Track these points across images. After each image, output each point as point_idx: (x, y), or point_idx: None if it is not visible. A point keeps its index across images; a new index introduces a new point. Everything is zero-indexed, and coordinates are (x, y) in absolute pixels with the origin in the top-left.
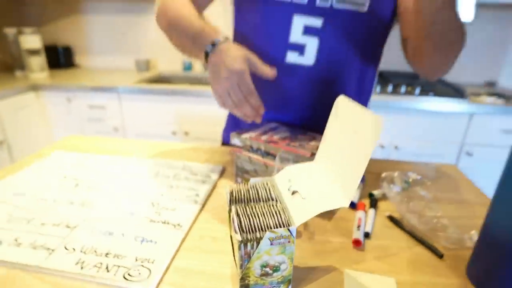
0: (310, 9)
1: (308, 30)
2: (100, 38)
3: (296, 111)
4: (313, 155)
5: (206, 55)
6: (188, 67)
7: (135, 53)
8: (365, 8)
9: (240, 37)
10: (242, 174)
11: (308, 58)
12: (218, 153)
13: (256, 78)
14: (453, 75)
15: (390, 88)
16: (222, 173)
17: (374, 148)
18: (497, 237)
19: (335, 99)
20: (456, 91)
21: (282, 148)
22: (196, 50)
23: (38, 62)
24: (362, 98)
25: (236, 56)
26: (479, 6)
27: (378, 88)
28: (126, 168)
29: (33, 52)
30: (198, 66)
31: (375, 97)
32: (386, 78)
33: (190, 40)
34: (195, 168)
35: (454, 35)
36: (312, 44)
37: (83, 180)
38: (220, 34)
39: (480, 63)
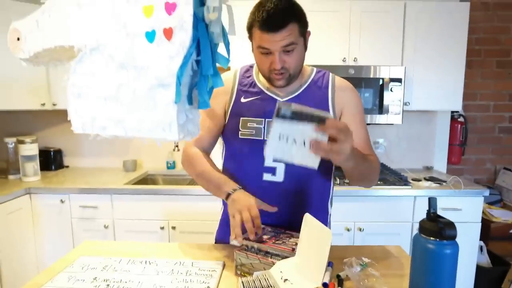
0: None
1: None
2: (90, 141)
3: (277, 217)
4: (293, 250)
5: (227, 197)
6: (171, 166)
7: (122, 154)
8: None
9: (228, 170)
10: (240, 267)
11: (279, 176)
12: (216, 250)
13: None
14: (397, 163)
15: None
16: (224, 267)
17: (329, 247)
18: None
19: (304, 205)
20: (400, 178)
21: (270, 246)
22: (218, 193)
23: (32, 166)
24: (324, 197)
25: (246, 200)
26: (405, 112)
27: (337, 180)
28: (146, 268)
29: (29, 158)
30: (180, 165)
31: (338, 188)
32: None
33: (214, 187)
34: (202, 265)
35: (367, 177)
36: (280, 167)
37: (113, 280)
38: (233, 186)
39: (417, 152)
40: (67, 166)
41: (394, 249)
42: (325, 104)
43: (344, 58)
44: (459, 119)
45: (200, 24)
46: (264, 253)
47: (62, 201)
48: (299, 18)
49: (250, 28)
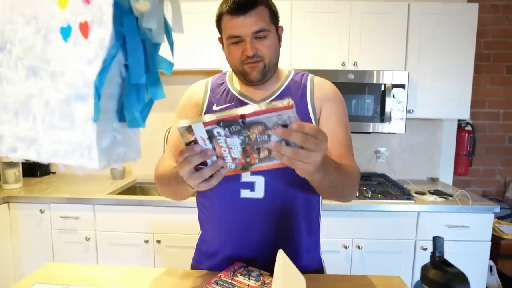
0: None
1: (254, 171)
2: None
3: (255, 246)
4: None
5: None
6: None
7: None
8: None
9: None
10: None
11: (258, 192)
12: (189, 278)
13: (218, 215)
14: (399, 174)
15: None
16: None
17: None
18: None
19: (291, 225)
20: (403, 192)
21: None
22: (179, 184)
23: (13, 174)
24: (313, 212)
25: None
26: (408, 120)
27: None
28: None
29: (11, 164)
30: None
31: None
32: None
33: (173, 181)
34: None
35: (341, 191)
36: (259, 181)
37: None
38: None
39: (421, 163)
40: (54, 173)
41: (393, 280)
42: (304, 105)
43: (343, 62)
44: (466, 128)
45: (127, 17)
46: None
47: (41, 211)
48: (268, 3)
49: (219, 20)
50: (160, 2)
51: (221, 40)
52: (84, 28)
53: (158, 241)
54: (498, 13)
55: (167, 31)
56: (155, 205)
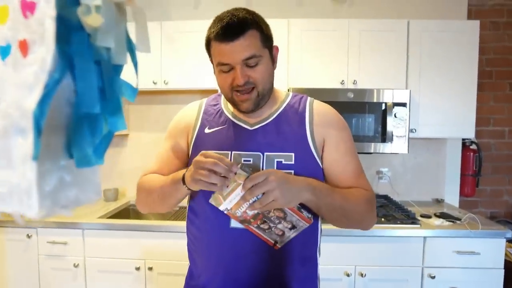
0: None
1: (243, 225)
2: None
3: (245, 280)
4: None
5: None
6: None
7: (104, 181)
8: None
9: (190, 215)
10: None
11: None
12: None
13: (207, 245)
14: (403, 196)
15: None
16: None
17: None
18: None
19: (285, 259)
20: (407, 215)
21: None
22: (176, 189)
23: None
24: (310, 243)
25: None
26: (411, 140)
27: None
28: None
29: None
30: None
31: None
32: None
33: (169, 187)
34: None
35: (346, 216)
36: None
37: None
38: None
39: (425, 183)
40: None
41: None
42: (302, 133)
43: (343, 80)
44: (471, 147)
45: (76, 34)
46: None
47: (28, 236)
48: (259, 26)
49: (208, 45)
50: (119, 16)
51: (210, 57)
52: (24, 48)
53: (150, 268)
54: (499, 30)
55: (131, 51)
56: (147, 230)
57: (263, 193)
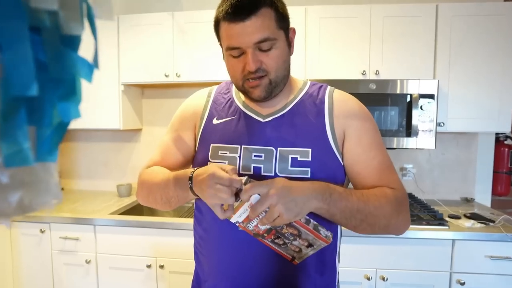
0: (257, 179)
1: (256, 238)
2: (87, 162)
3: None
4: None
5: (191, 189)
6: None
7: (119, 177)
8: (307, 175)
9: (196, 216)
10: None
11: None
12: None
13: (215, 247)
14: (428, 194)
15: None
16: None
17: None
18: None
19: (301, 267)
20: (434, 216)
21: None
22: (182, 191)
23: None
24: (329, 250)
25: (204, 173)
26: (439, 134)
27: None
28: None
29: None
30: None
31: None
32: None
33: (174, 186)
34: None
35: (368, 222)
36: None
37: None
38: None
39: (453, 181)
40: (62, 189)
41: None
42: (321, 125)
43: (364, 71)
44: (506, 142)
45: None
46: None
47: (42, 231)
48: (274, 3)
49: (216, 26)
50: None
51: (219, 41)
52: None
53: (161, 266)
54: None
55: (90, 18)
56: (158, 227)
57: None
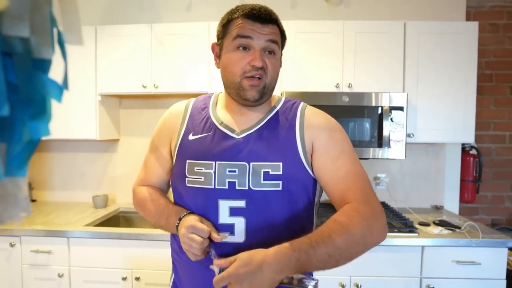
0: (231, 193)
1: (234, 211)
2: (61, 173)
3: None
4: None
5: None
6: None
7: (95, 188)
8: (279, 187)
9: None
10: None
11: (239, 236)
12: None
13: (198, 262)
14: (400, 202)
15: None
16: None
17: None
18: None
19: None
20: (405, 224)
21: None
22: (168, 226)
23: None
24: None
25: (187, 223)
26: (409, 145)
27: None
28: None
29: None
30: None
31: None
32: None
33: (166, 223)
34: None
35: (344, 257)
36: (240, 223)
37: None
38: (181, 213)
39: (423, 190)
40: (34, 200)
41: None
42: (291, 137)
43: (337, 84)
44: (471, 152)
45: None
46: None
47: (12, 245)
48: (281, 25)
49: (227, 23)
50: None
51: (216, 48)
52: None
53: (137, 278)
54: (499, 32)
55: (60, 43)
56: (134, 238)
57: None
